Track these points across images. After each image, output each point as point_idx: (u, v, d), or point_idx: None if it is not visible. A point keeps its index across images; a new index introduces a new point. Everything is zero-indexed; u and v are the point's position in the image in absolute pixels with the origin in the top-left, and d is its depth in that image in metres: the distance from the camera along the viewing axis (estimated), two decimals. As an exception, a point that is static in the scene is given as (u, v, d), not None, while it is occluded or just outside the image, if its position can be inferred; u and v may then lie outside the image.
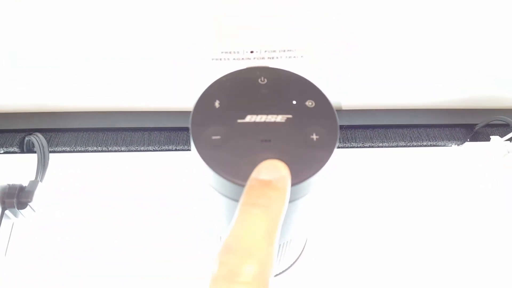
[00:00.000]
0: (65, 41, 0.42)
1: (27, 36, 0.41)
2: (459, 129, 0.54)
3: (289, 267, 0.40)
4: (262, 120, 0.26)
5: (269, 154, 0.24)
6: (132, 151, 0.49)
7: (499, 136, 0.53)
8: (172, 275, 0.40)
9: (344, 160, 0.49)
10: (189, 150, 0.50)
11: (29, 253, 0.41)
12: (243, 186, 0.23)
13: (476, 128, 0.54)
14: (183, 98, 0.49)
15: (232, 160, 0.24)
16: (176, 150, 0.49)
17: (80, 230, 0.42)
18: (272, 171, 0.23)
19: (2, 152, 0.48)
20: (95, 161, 0.47)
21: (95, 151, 0.49)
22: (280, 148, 0.25)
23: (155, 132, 0.50)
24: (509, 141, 0.52)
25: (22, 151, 0.48)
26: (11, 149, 0.48)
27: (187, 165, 0.47)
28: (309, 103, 0.27)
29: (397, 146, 0.52)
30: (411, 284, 0.41)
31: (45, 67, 0.45)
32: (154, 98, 0.50)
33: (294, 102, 0.27)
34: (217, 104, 0.27)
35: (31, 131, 0.48)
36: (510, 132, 0.51)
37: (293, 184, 0.24)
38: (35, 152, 0.46)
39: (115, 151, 0.49)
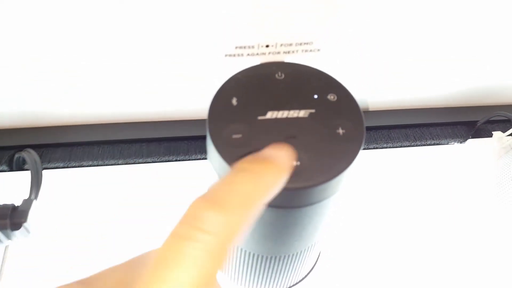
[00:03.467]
0: (54, 47, 0.40)
1: (13, 47, 0.39)
2: (461, 126, 0.54)
3: (305, 277, 0.39)
4: (284, 116, 0.24)
5: (296, 151, 0.23)
6: (130, 163, 0.47)
7: (501, 131, 0.53)
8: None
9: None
10: (190, 160, 0.49)
11: (24, 278, 0.38)
12: None
13: (478, 124, 0.54)
14: (192, 105, 0.47)
15: None
16: (177, 160, 0.47)
17: (79, 251, 0.39)
18: (275, 150, 0.21)
19: (-10, 171, 0.45)
20: (91, 176, 0.45)
21: (90, 165, 0.46)
22: (306, 144, 0.23)
23: (154, 143, 0.48)
24: (511, 136, 0.51)
25: (11, 170, 0.46)
26: (0, 168, 0.45)
27: (190, 175, 0.45)
28: (331, 97, 0.26)
29: (401, 147, 0.51)
30: (414, 280, 0.41)
31: (34, 77, 0.43)
32: (157, 106, 0.48)
33: (316, 96, 0.25)
34: (234, 101, 0.25)
35: (20, 148, 0.45)
36: (511, 128, 0.51)
37: (325, 181, 0.22)
38: (26, 170, 0.43)
39: (112, 164, 0.46)
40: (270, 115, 0.24)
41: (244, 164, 0.20)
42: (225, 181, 0.18)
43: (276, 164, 0.20)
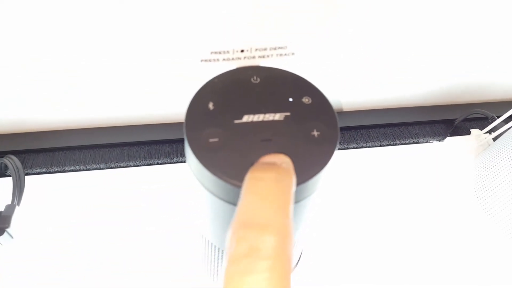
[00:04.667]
0: (54, 47, 0.39)
1: (13, 47, 0.39)
2: (439, 125, 0.55)
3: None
4: (260, 119, 0.25)
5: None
6: (111, 168, 0.47)
7: (479, 129, 0.54)
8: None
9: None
10: (172, 163, 0.49)
11: (8, 282, 0.38)
12: None
13: (456, 122, 0.55)
14: (167, 109, 0.47)
15: (234, 162, 0.23)
16: (158, 164, 0.47)
17: (62, 257, 0.39)
18: (275, 157, 0.22)
19: (-29, 178, 0.45)
20: (73, 181, 0.45)
21: (72, 170, 0.46)
22: (282, 146, 0.24)
23: (135, 146, 0.48)
24: (488, 134, 0.53)
25: (-7, 176, 0.45)
26: (-19, 175, 0.45)
27: (171, 178, 0.45)
28: (306, 100, 0.26)
29: (380, 146, 0.52)
30: (395, 277, 0.41)
31: (34, 77, 0.43)
32: (135, 110, 0.48)
33: (291, 99, 0.26)
34: (211, 106, 0.25)
35: (1, 154, 0.45)
36: (489, 125, 0.52)
37: (301, 182, 0.23)
38: (8, 176, 0.43)
39: (94, 169, 0.46)
40: (246, 118, 0.25)
41: (257, 173, 0.20)
42: (253, 197, 0.18)
43: (285, 169, 0.21)
